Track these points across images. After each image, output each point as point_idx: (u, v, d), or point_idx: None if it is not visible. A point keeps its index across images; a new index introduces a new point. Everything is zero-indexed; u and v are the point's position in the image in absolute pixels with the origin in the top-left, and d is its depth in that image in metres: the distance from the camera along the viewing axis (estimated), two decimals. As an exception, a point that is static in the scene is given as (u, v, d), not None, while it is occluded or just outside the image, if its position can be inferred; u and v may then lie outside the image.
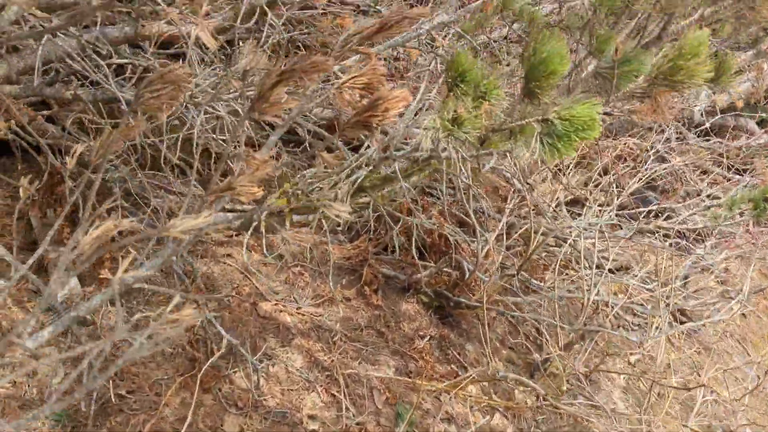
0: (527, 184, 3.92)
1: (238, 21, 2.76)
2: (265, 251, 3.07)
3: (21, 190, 1.49)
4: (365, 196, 2.18)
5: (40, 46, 2.22)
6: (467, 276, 3.22)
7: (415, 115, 2.11)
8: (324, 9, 2.67)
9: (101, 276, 2.84)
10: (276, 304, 3.14)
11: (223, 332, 2.64)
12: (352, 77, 1.17)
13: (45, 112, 2.88)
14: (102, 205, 2.98)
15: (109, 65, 2.47)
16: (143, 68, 2.52)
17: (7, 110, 2.99)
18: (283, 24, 2.70)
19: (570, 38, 2.20)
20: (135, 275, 1.43)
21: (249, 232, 2.63)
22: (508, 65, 2.52)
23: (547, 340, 3.71)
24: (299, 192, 2.40)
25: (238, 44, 2.65)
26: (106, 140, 1.33)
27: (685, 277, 4.65)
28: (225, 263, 3.22)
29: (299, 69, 1.01)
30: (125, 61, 2.51)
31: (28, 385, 2.46)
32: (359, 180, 2.02)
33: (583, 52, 1.64)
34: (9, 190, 3.29)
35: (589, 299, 3.50)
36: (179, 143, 3.04)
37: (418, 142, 1.39)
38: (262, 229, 2.47)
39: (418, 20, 1.23)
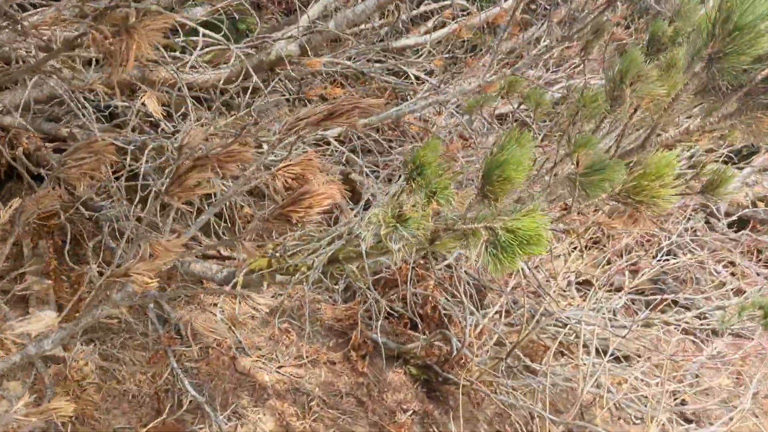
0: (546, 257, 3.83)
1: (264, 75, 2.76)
2: (238, 306, 3.01)
3: None
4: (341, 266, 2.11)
5: (30, 83, 2.23)
6: (455, 353, 3.11)
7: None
8: (326, 71, 2.65)
9: (77, 315, 2.80)
10: (256, 361, 3.06)
11: (188, 387, 2.57)
12: (287, 165, 1.12)
13: (49, 144, 2.89)
14: (90, 242, 2.96)
15: (107, 107, 2.48)
16: (144, 113, 2.52)
17: (16, 137, 3.02)
18: (288, 80, 2.70)
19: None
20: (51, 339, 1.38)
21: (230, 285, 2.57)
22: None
23: (538, 428, 3.55)
24: (279, 255, 2.35)
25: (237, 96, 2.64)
26: (23, 204, 1.31)
27: (696, 375, 4.45)
28: (211, 313, 3.17)
29: (213, 157, 0.96)
30: (123, 104, 2.52)
31: (-14, 421, 2.41)
32: (330, 253, 1.95)
33: (563, 151, 1.57)
34: (10, 216, 3.30)
35: (584, 389, 3.36)
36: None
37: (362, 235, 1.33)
38: (239, 288, 2.42)
39: (369, 111, 1.18)
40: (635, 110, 1.37)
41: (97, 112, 2.78)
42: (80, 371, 2.68)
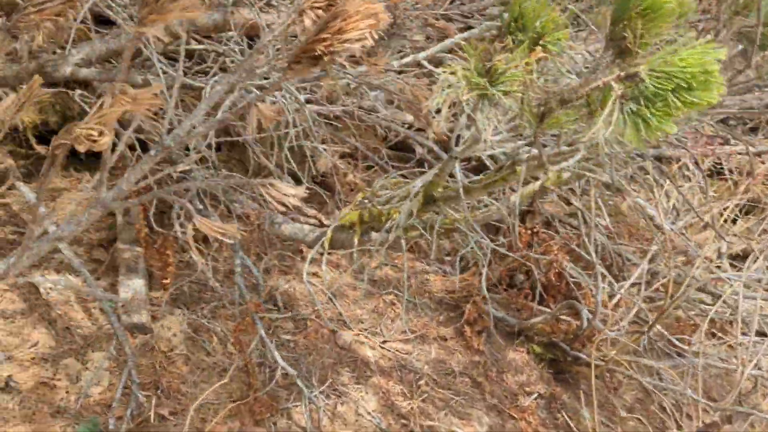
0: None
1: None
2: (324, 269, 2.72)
3: None
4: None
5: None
6: (584, 327, 2.68)
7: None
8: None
9: (164, 282, 2.62)
10: (358, 335, 2.77)
11: (278, 358, 2.30)
12: (316, -4, 0.79)
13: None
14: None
15: (187, 51, 2.27)
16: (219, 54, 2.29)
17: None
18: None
19: None
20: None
21: (317, 248, 2.28)
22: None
23: (688, 416, 3.04)
24: (372, 204, 2.03)
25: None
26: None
27: None
28: (310, 282, 2.90)
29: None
30: (201, 47, 2.30)
31: (67, 391, 2.24)
32: (422, 187, 1.61)
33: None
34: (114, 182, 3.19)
35: (744, 372, 2.82)
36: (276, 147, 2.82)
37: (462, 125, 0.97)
38: (325, 246, 2.13)
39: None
40: None
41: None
42: (168, 342, 2.48)
